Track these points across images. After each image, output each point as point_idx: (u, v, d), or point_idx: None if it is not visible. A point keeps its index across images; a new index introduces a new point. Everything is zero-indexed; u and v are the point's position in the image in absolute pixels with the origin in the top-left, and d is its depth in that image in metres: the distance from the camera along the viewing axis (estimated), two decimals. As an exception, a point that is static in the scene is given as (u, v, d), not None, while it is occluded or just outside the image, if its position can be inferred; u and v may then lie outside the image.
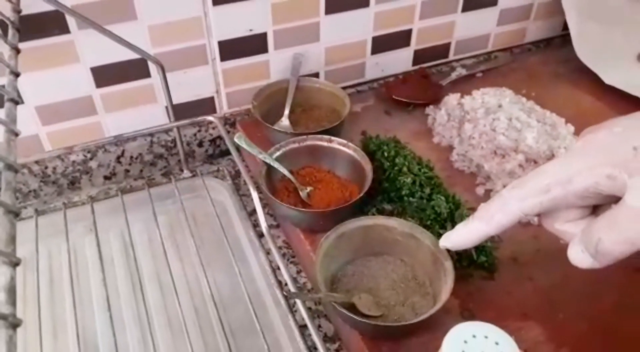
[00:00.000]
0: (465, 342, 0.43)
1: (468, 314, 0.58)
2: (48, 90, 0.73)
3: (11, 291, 0.26)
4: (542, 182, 0.42)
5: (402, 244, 0.61)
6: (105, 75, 0.74)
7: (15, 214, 0.30)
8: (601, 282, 0.61)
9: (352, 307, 0.55)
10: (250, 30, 0.78)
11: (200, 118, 0.71)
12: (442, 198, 0.64)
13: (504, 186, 0.69)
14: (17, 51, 0.47)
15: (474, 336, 0.43)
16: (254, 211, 0.73)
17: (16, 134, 0.37)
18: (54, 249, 0.72)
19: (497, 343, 0.43)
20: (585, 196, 0.40)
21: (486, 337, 0.43)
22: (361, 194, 0.64)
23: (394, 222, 0.61)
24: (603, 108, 0.85)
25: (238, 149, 0.76)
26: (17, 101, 0.40)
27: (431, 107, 0.84)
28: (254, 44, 0.79)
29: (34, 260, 0.66)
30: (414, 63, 0.93)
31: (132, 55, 0.73)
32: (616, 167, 0.38)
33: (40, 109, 0.74)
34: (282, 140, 0.71)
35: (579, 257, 0.42)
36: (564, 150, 0.67)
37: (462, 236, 0.46)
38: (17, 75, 0.43)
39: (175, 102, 0.76)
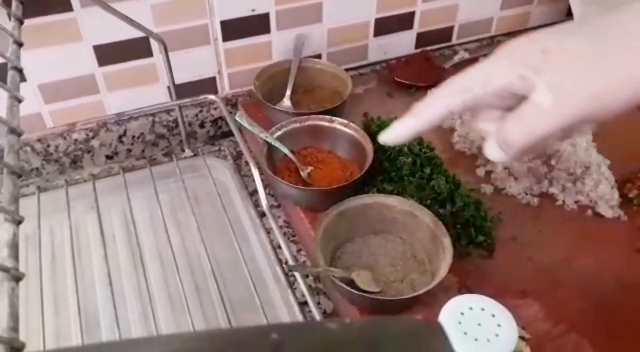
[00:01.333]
0: (462, 314, 0.43)
1: (466, 291, 0.58)
2: (51, 68, 0.73)
3: (14, 247, 0.26)
4: (464, 82, 0.44)
5: (401, 222, 0.62)
6: (107, 53, 0.74)
7: (18, 175, 0.31)
8: (602, 262, 0.61)
9: (350, 283, 0.55)
10: (253, 10, 0.77)
11: (202, 97, 0.72)
12: (442, 178, 0.65)
13: (505, 168, 0.70)
14: (21, 22, 0.47)
15: (470, 308, 0.43)
16: (255, 191, 0.74)
17: (19, 100, 0.38)
18: (55, 225, 0.73)
19: (493, 315, 0.43)
20: (503, 95, 0.42)
21: (483, 309, 0.43)
22: (362, 173, 0.65)
23: (393, 201, 0.61)
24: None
25: (240, 129, 0.76)
26: (20, 69, 0.41)
27: (433, 89, 0.83)
28: (257, 24, 0.79)
29: (36, 236, 0.67)
30: (417, 46, 0.93)
31: (135, 34, 0.73)
32: (527, 68, 0.40)
33: (43, 87, 0.74)
34: (283, 120, 0.71)
35: (492, 151, 0.44)
36: (565, 131, 0.67)
37: (397, 130, 0.48)
38: (20, 45, 0.44)
39: (177, 81, 0.76)
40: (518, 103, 0.42)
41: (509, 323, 0.42)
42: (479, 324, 0.42)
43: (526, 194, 0.68)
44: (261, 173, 0.64)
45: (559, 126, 0.40)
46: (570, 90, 0.39)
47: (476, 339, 0.41)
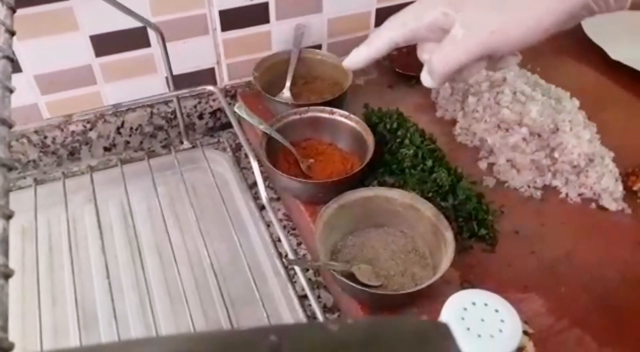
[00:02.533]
0: (465, 309, 0.42)
1: (468, 286, 0.57)
2: (47, 59, 0.72)
3: (4, 242, 0.25)
4: (402, 18, 0.51)
5: (402, 215, 0.61)
6: (104, 44, 0.73)
7: (8, 168, 0.30)
8: (604, 256, 0.60)
9: (351, 277, 0.54)
10: (252, -1, 0.76)
11: (200, 88, 0.70)
12: (444, 171, 0.64)
13: (507, 161, 0.69)
14: (13, 11, 0.46)
15: (473, 304, 0.43)
16: (254, 184, 0.73)
17: (10, 91, 0.37)
18: (53, 218, 0.72)
19: (497, 311, 0.42)
20: (433, 29, 0.49)
21: (486, 304, 0.43)
22: (363, 165, 0.64)
23: (394, 193, 0.60)
24: (608, 83, 0.84)
25: (239, 121, 0.75)
26: (12, 58, 0.40)
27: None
28: (256, 14, 0.78)
29: (33, 229, 0.66)
30: (418, 37, 0.92)
31: (132, 24, 0.72)
32: (449, 7, 0.47)
33: (39, 78, 0.73)
34: (283, 111, 0.70)
35: (424, 78, 0.52)
36: (568, 123, 0.66)
37: (355, 56, 0.55)
38: (12, 33, 0.43)
39: (175, 72, 0.75)
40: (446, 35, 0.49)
41: (512, 319, 0.42)
42: (482, 320, 0.41)
43: (529, 187, 0.67)
44: (260, 165, 0.63)
45: (470, 55, 0.47)
46: (477, 24, 0.46)
47: (479, 335, 0.41)
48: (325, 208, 0.59)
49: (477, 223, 0.61)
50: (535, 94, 0.71)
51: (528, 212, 0.65)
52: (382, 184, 0.65)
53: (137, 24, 0.70)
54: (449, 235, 0.55)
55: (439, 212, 0.58)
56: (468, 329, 0.41)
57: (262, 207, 0.70)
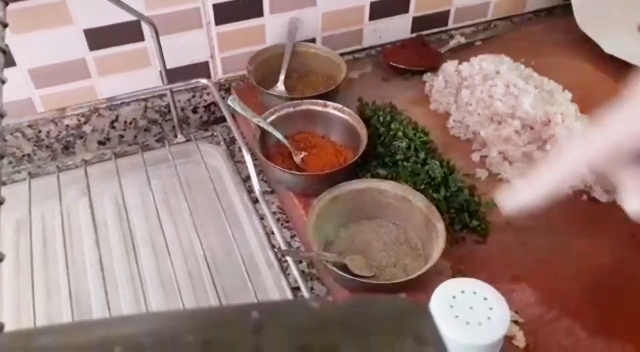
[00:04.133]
0: (454, 297, 0.43)
1: (459, 276, 0.57)
2: (41, 53, 0.72)
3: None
4: (606, 137, 0.42)
5: (394, 207, 0.61)
6: (98, 37, 0.73)
7: (0, 156, 0.30)
8: (596, 247, 0.61)
9: (344, 268, 0.55)
10: (246, -7, 0.76)
11: (193, 81, 0.71)
12: (437, 163, 0.64)
13: (500, 153, 0.69)
14: (5, 3, 0.46)
15: (462, 292, 0.43)
16: (248, 177, 0.73)
17: (3, 82, 0.37)
18: (47, 211, 0.72)
19: (485, 299, 0.43)
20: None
21: (475, 293, 0.43)
22: (356, 157, 0.64)
23: (386, 185, 0.61)
24: (603, 77, 0.85)
25: (233, 115, 0.75)
26: (4, 50, 0.40)
27: (429, 74, 0.83)
28: (250, 8, 0.78)
29: (27, 222, 0.66)
30: (413, 31, 0.92)
31: (126, 18, 0.72)
32: None
33: (33, 72, 0.73)
34: (277, 105, 0.70)
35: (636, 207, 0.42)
36: (560, 115, 0.67)
37: (526, 195, 0.45)
38: (4, 25, 0.43)
39: (169, 66, 0.75)
40: None
41: (501, 307, 0.42)
42: (471, 308, 0.42)
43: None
44: (254, 159, 0.63)
45: None
46: None
47: (468, 323, 0.41)
48: (318, 200, 0.59)
49: (469, 215, 0.62)
50: (528, 87, 0.71)
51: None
52: (375, 176, 0.65)
53: (130, 17, 0.70)
54: (440, 226, 0.56)
55: (430, 204, 0.58)
56: (457, 316, 0.41)
57: (255, 200, 0.71)
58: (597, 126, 0.44)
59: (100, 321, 0.19)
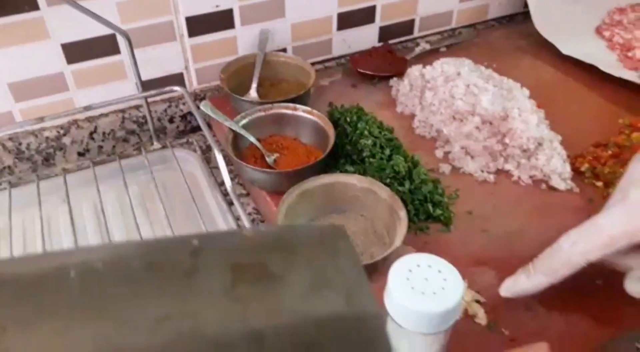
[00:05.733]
0: (410, 271, 0.45)
1: (424, 262, 0.60)
2: (20, 67, 0.74)
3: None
4: (603, 239, 0.47)
5: (361, 199, 0.64)
6: (75, 51, 0.76)
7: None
8: (555, 231, 0.63)
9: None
10: (217, 6, 0.80)
11: (167, 88, 0.74)
12: (401, 158, 0.67)
13: (462, 148, 0.72)
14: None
15: (418, 266, 0.45)
16: (223, 182, 0.76)
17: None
18: (27, 219, 0.74)
19: (440, 271, 0.45)
20: None
21: (430, 266, 0.45)
22: (324, 155, 0.67)
23: (352, 179, 0.64)
24: (562, 77, 0.89)
25: (209, 124, 0.78)
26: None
27: (395, 79, 0.87)
28: (221, 20, 0.82)
29: (7, 230, 0.68)
30: (380, 39, 0.96)
31: (102, 32, 0.75)
32: None
33: (13, 86, 0.76)
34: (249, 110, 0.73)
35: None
36: (517, 110, 0.70)
37: (527, 287, 0.52)
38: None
39: (144, 78, 0.78)
40: None
41: (454, 277, 0.45)
42: (426, 279, 0.44)
43: (482, 171, 0.70)
44: (229, 164, 0.65)
45: None
46: None
47: (423, 293, 0.43)
48: (287, 195, 0.62)
49: (432, 205, 0.65)
50: (487, 86, 0.75)
51: (482, 195, 0.68)
52: (343, 173, 0.68)
53: (106, 31, 0.74)
54: (402, 213, 0.58)
55: (393, 194, 0.61)
56: (412, 288, 0.44)
57: (231, 203, 0.73)
58: (594, 225, 0.49)
59: (54, 252, 0.22)
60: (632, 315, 0.55)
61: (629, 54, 0.91)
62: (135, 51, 0.74)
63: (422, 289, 0.44)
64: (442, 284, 0.44)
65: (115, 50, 0.78)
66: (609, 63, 0.89)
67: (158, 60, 0.81)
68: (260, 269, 0.21)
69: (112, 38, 0.76)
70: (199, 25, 0.81)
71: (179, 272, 0.21)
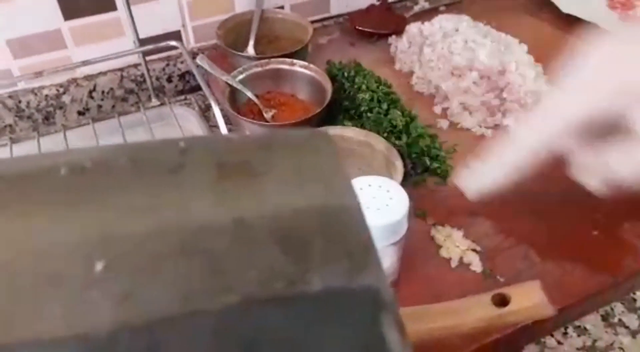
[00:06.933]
0: (361, 189, 0.47)
1: (420, 213, 0.61)
2: (18, 23, 0.74)
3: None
4: (559, 118, 0.46)
5: (358, 153, 0.64)
6: (72, 7, 0.76)
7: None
8: (548, 181, 0.63)
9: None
10: (214, -39, 0.79)
11: (163, 43, 0.74)
12: (398, 112, 0.67)
13: (460, 104, 0.72)
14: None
15: (369, 185, 0.47)
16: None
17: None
18: (28, 175, 0.75)
19: (388, 191, 0.47)
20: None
21: (380, 186, 0.47)
22: (321, 108, 0.67)
23: (349, 132, 0.64)
24: (560, 34, 0.88)
25: (208, 83, 0.78)
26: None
27: (394, 36, 0.86)
28: (218, -24, 0.81)
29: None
30: (379, -2, 0.95)
31: (98, -13, 0.75)
32: (625, 91, 0.41)
33: (12, 43, 0.75)
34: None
35: (591, 182, 0.46)
36: (514, 64, 0.70)
37: (489, 177, 0.50)
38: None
39: (142, 36, 0.78)
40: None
41: (400, 196, 0.46)
42: (373, 197, 0.46)
43: (480, 126, 0.70)
44: (228, 123, 0.65)
45: None
46: None
47: (368, 208, 0.45)
48: (284, 147, 0.62)
49: (429, 158, 0.65)
50: (485, 41, 0.74)
51: (479, 149, 0.68)
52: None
53: (103, -14, 0.73)
54: (398, 163, 0.59)
55: (390, 145, 0.61)
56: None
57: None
58: (549, 101, 0.47)
59: (45, 153, 0.22)
60: (627, 263, 0.55)
61: (630, 13, 0.90)
62: (132, 8, 0.74)
63: (367, 205, 0.45)
64: (387, 202, 0.46)
65: (112, 7, 0.78)
66: (610, 21, 0.88)
67: (155, 18, 0.81)
68: (244, 166, 0.21)
69: (109, -6, 0.76)
70: (196, -19, 0.80)
71: (165, 168, 0.21)
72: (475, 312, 0.42)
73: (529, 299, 0.41)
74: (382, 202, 0.46)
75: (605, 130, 0.44)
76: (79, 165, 0.21)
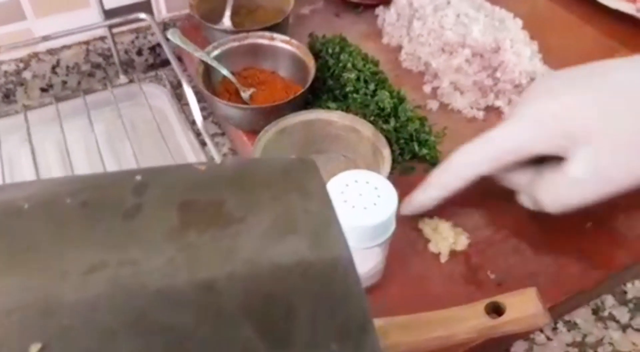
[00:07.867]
0: (347, 185, 0.44)
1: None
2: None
3: None
4: (493, 152, 0.47)
5: (344, 138, 0.60)
6: (29, -26, 0.69)
7: None
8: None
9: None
10: None
11: (132, 16, 0.68)
12: (386, 93, 0.63)
13: (451, 83, 0.68)
14: None
15: (356, 181, 0.44)
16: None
17: None
18: (-14, 160, 0.69)
19: (376, 188, 0.43)
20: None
21: (367, 182, 0.44)
22: (304, 89, 0.62)
23: (334, 116, 0.60)
24: (557, 9, 0.84)
25: (180, 58, 0.73)
26: None
27: (381, 7, 0.81)
28: (191, -59, 0.74)
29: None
30: (365, -34, 0.89)
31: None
32: (565, 138, 0.42)
33: (-37, 14, 0.69)
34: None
35: (527, 204, 0.49)
36: (509, 41, 0.66)
37: (423, 203, 0.51)
38: None
39: (108, 6, 0.72)
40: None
41: (389, 193, 0.43)
42: (360, 195, 0.43)
43: (472, 108, 0.67)
44: (202, 101, 0.60)
45: (593, 201, 0.42)
46: (611, 169, 0.40)
47: (353, 207, 0.42)
48: (264, 132, 0.57)
49: (418, 144, 0.61)
50: (478, 15, 0.70)
51: (470, 133, 0.64)
52: (325, 109, 0.64)
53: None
54: (386, 151, 0.55)
55: (377, 132, 0.57)
56: (345, 201, 0.42)
57: (204, 143, 0.69)
58: (485, 138, 0.49)
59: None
60: (621, 257, 0.53)
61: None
62: (96, -25, 0.67)
63: (354, 203, 0.42)
64: (375, 200, 0.43)
65: (75, -27, 0.71)
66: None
67: (122, -14, 0.74)
68: (214, 209, 0.17)
69: (69, -41, 0.69)
70: (166, -55, 0.73)
71: (118, 212, 0.17)
72: (469, 322, 0.39)
73: (525, 309, 0.38)
74: (369, 200, 0.42)
75: (539, 158, 0.46)
76: (14, 208, 0.17)
